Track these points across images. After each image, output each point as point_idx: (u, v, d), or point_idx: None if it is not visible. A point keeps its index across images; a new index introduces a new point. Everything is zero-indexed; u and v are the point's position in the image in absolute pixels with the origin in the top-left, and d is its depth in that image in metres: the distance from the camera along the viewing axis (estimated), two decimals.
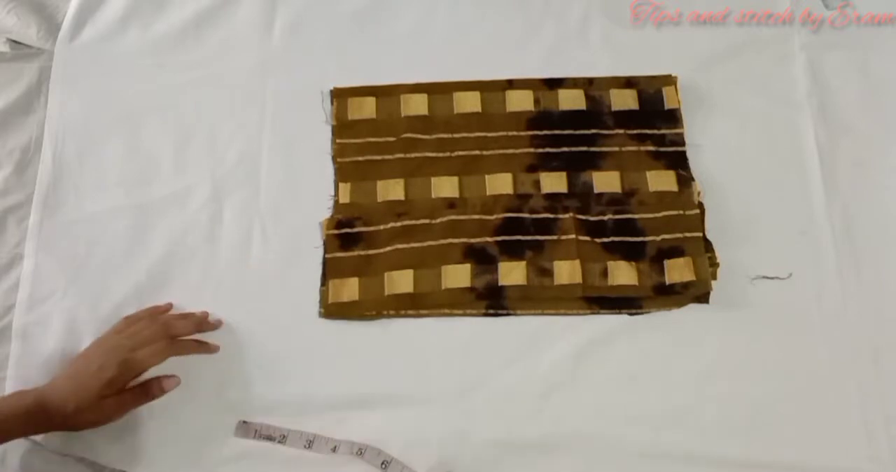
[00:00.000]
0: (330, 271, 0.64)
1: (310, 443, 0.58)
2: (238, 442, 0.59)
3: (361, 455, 0.58)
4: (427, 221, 0.65)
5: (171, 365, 0.57)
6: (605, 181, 0.66)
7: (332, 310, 0.63)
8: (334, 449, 0.58)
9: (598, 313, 0.62)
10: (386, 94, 0.69)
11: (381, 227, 0.65)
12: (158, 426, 0.60)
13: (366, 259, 0.64)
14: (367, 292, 0.63)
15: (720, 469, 0.58)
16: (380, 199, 0.66)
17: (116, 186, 0.68)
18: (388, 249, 0.64)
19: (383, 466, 0.57)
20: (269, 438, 0.59)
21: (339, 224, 0.65)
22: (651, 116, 0.68)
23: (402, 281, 0.63)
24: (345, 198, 0.66)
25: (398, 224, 0.65)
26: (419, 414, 0.60)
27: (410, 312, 0.63)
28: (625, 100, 0.68)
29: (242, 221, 0.66)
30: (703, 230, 0.64)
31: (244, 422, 0.60)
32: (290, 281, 0.64)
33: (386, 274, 0.63)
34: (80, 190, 0.67)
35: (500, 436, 0.59)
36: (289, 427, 0.59)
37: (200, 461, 0.59)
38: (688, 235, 0.63)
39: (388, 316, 0.63)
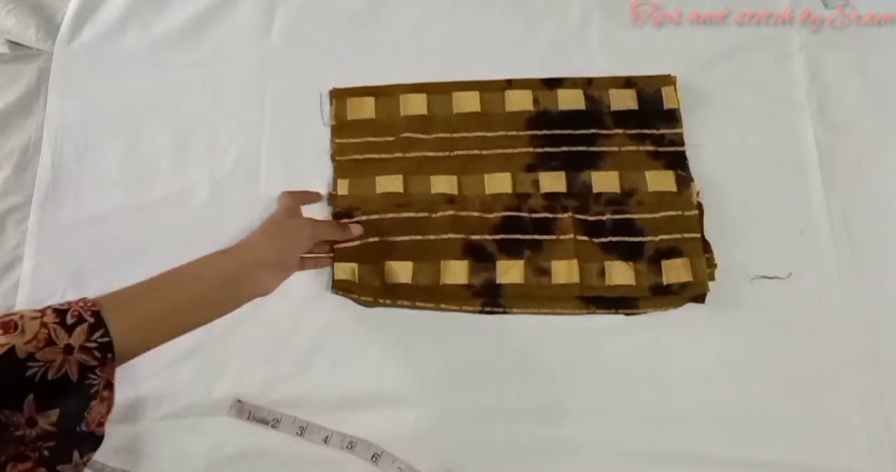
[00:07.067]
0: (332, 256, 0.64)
1: (302, 430, 0.59)
2: (238, 442, 0.60)
3: (352, 449, 0.58)
4: (426, 214, 0.65)
5: (169, 364, 0.57)
6: (604, 181, 0.65)
7: (340, 285, 0.63)
8: (326, 440, 0.59)
9: (595, 313, 0.62)
10: (385, 94, 0.69)
11: (381, 216, 0.65)
12: (158, 425, 0.60)
13: (364, 246, 0.64)
14: (366, 279, 0.63)
15: (719, 469, 0.58)
16: (378, 191, 0.66)
17: (116, 186, 0.68)
18: (388, 239, 0.64)
19: (374, 459, 0.58)
20: (263, 421, 0.59)
21: (338, 215, 0.65)
22: (650, 116, 0.68)
23: (400, 272, 0.63)
24: (343, 191, 0.66)
25: (398, 215, 0.65)
26: (419, 414, 0.60)
27: (406, 303, 0.63)
28: (624, 100, 0.68)
29: (242, 221, 0.66)
30: (701, 231, 0.64)
31: (238, 401, 0.60)
32: (289, 281, 0.64)
33: (385, 263, 0.63)
34: (79, 191, 0.68)
35: (500, 436, 0.59)
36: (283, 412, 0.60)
37: (200, 460, 0.59)
38: (686, 235, 0.63)
39: (385, 305, 0.63)
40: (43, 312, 0.43)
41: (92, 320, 0.43)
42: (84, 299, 0.45)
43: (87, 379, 0.42)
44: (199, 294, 0.50)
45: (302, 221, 0.61)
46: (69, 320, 0.43)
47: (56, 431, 0.41)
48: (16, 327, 0.41)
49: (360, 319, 0.63)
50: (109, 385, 0.44)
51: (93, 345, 0.43)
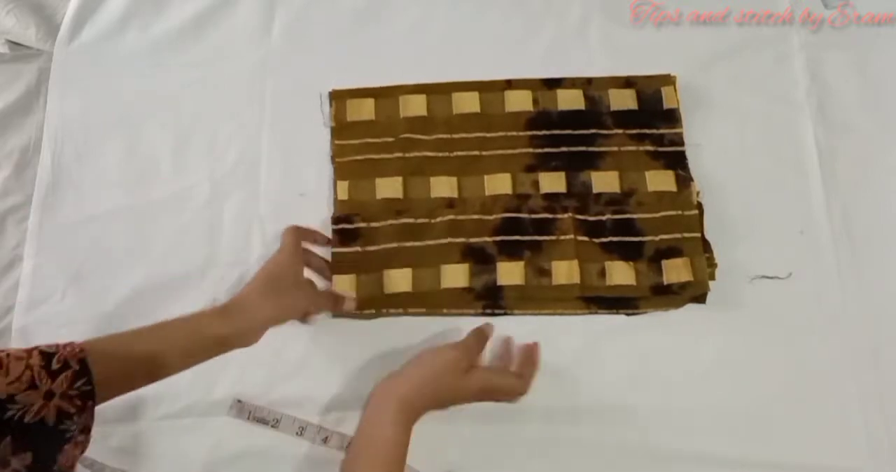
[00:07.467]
0: (331, 266, 0.64)
1: (302, 430, 0.59)
2: (238, 442, 0.59)
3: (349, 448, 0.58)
4: (426, 220, 0.65)
5: None
6: (604, 181, 0.65)
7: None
8: (325, 440, 0.59)
9: (596, 313, 0.62)
10: (385, 95, 0.69)
11: (380, 224, 0.64)
12: (158, 425, 0.60)
13: (363, 256, 0.64)
14: (365, 289, 0.63)
15: (719, 469, 0.58)
16: (378, 196, 0.66)
17: (116, 186, 0.68)
18: (387, 246, 0.64)
19: None
20: (263, 421, 0.59)
21: (338, 220, 0.65)
22: (650, 116, 0.68)
23: (400, 280, 0.63)
24: (343, 195, 0.66)
25: (397, 222, 0.64)
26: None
27: (412, 311, 0.63)
28: (624, 100, 0.68)
29: (242, 221, 0.66)
30: (701, 231, 0.64)
31: (238, 401, 0.60)
32: None
33: (385, 272, 0.63)
34: (79, 191, 0.68)
35: (500, 436, 0.59)
36: (283, 412, 0.60)
37: (200, 460, 0.59)
38: (686, 235, 0.63)
39: (387, 315, 0.63)
40: (30, 353, 0.43)
41: (77, 367, 0.43)
42: (72, 344, 0.45)
43: (62, 425, 0.42)
44: (187, 350, 0.51)
45: (301, 291, 0.60)
46: (54, 365, 0.43)
47: None
48: (0, 366, 0.41)
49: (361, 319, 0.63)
50: (86, 429, 0.44)
51: (74, 393, 0.43)
